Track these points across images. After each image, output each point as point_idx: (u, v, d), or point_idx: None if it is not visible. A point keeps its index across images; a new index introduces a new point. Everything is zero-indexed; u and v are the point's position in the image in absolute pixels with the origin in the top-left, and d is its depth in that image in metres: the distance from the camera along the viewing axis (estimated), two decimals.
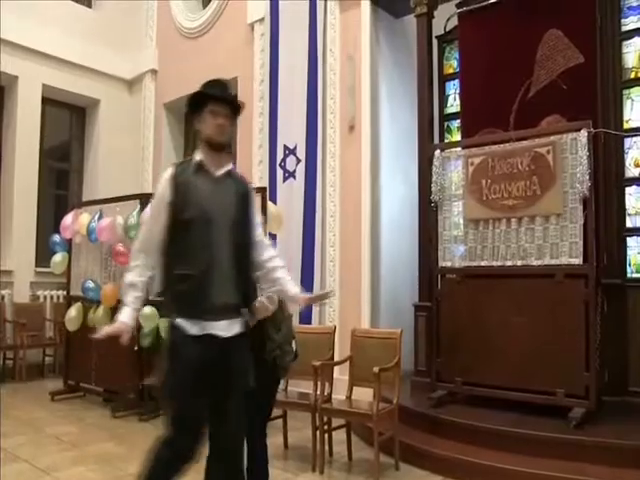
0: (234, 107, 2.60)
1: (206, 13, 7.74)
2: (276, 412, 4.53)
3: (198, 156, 2.55)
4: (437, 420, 4.23)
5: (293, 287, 2.72)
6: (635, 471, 3.44)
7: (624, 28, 4.87)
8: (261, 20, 6.66)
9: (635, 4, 4.85)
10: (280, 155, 6.17)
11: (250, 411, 2.67)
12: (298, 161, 6.03)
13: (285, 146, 6.13)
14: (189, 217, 2.44)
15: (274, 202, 5.79)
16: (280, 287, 2.72)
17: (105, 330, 2.47)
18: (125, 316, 2.47)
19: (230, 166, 2.64)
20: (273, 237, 5.73)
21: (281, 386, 4.56)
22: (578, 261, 4.19)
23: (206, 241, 2.44)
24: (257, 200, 2.87)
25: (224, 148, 2.60)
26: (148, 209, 2.52)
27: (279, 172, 6.14)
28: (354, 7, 5.98)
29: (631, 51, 4.86)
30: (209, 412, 2.49)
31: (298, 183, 5.99)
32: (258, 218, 2.72)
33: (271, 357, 2.99)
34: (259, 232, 2.68)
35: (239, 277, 2.51)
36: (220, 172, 2.57)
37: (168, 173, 2.54)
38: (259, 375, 2.65)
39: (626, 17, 4.88)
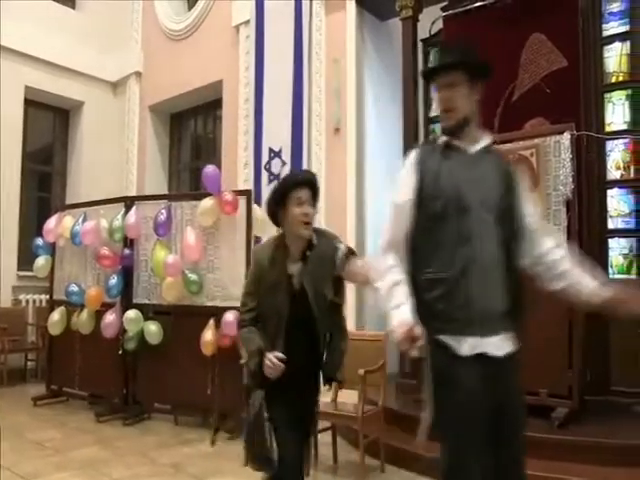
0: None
1: (191, 15, 7.71)
2: None
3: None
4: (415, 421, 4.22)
5: (589, 281, 2.04)
6: (618, 469, 3.47)
7: (605, 33, 4.93)
8: (246, 22, 6.65)
9: (616, 10, 4.92)
10: (265, 158, 6.16)
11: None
12: (283, 164, 6.03)
13: (270, 149, 6.12)
14: (440, 207, 2.01)
15: (259, 205, 5.77)
16: (569, 282, 2.07)
17: (397, 334, 1.90)
18: (406, 313, 1.95)
19: (487, 140, 2.15)
20: (258, 240, 5.73)
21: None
22: None
23: (463, 234, 1.98)
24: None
25: (463, 124, 2.10)
26: (392, 200, 2.12)
27: (264, 175, 6.13)
28: (339, 10, 6.00)
29: (612, 55, 4.92)
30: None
31: None
32: (530, 202, 2.15)
33: None
34: (533, 219, 2.12)
35: (509, 278, 2.02)
36: (476, 148, 2.12)
37: (412, 157, 2.13)
38: None
39: (607, 22, 4.94)
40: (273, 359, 2.37)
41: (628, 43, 4.79)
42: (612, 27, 4.92)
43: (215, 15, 7.30)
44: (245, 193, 5.40)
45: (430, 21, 5.76)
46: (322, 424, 4.26)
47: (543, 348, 4.05)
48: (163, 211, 5.34)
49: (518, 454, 2.02)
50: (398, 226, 2.08)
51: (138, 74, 8.41)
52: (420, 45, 5.85)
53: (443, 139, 2.14)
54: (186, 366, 5.13)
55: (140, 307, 5.42)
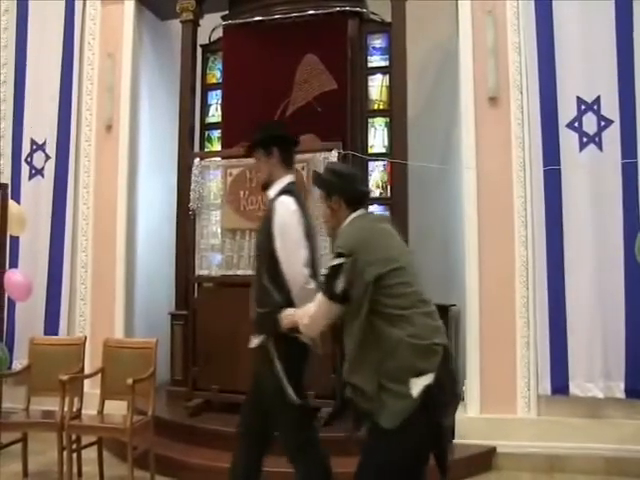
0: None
1: None
2: (14, 436, 4.11)
3: None
4: (193, 429, 4.24)
5: None
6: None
7: (370, 64, 5.44)
8: None
9: (378, 45, 5.46)
10: (26, 150, 5.57)
11: None
12: (47, 158, 5.51)
13: (32, 140, 5.55)
14: None
15: (18, 201, 5.24)
16: None
17: None
18: None
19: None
20: (16, 240, 5.21)
21: (21, 405, 4.18)
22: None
23: None
24: None
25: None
26: None
27: (25, 168, 5.54)
28: (117, 1, 5.69)
29: (375, 85, 5.45)
30: None
31: (47, 182, 5.48)
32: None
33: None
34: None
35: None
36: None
37: None
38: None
39: (371, 55, 5.46)
40: None
41: (387, 76, 5.34)
42: (375, 60, 5.45)
43: None
44: (0, 187, 4.89)
45: (210, 27, 5.78)
46: (87, 439, 4.03)
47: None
48: None
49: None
50: None
51: None
52: (199, 50, 5.84)
53: None
54: None
55: None
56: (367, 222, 2.47)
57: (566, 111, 4.42)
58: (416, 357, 2.16)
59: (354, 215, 2.44)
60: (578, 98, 4.40)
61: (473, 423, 4.31)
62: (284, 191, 2.82)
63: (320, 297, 2.36)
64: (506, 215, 4.48)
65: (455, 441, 4.23)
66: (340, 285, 2.25)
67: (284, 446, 2.78)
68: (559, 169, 4.37)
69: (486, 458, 4.15)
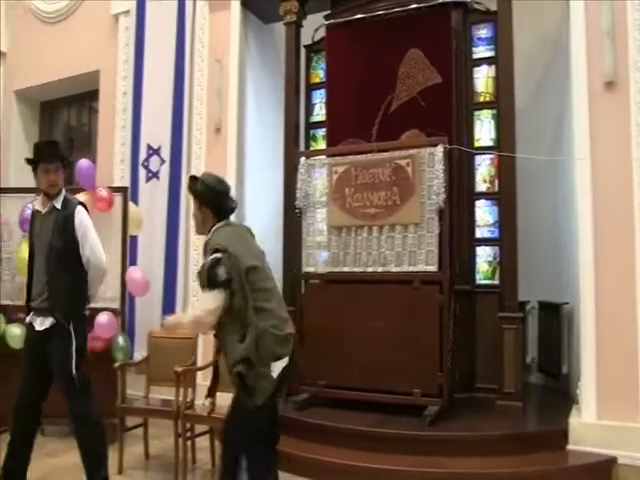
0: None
1: None
2: (136, 420, 4.39)
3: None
4: (300, 423, 4.29)
5: None
6: (480, 458, 3.80)
7: (475, 56, 5.31)
8: (126, 12, 6.35)
9: (483, 36, 5.31)
10: (143, 154, 5.93)
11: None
12: (162, 162, 5.84)
13: (149, 145, 5.90)
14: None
15: (136, 203, 5.58)
16: None
17: None
18: None
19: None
20: (134, 239, 5.54)
21: (141, 393, 4.45)
22: (434, 268, 4.48)
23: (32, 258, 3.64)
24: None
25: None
26: None
27: (142, 172, 5.90)
28: (224, 9, 5.91)
29: (480, 77, 5.31)
30: None
31: (162, 184, 5.81)
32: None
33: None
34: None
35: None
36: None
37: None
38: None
39: (476, 46, 5.33)
40: None
41: (493, 67, 5.18)
42: (480, 51, 5.32)
43: (92, 1, 6.90)
44: (121, 190, 5.23)
45: (313, 27, 5.86)
46: (199, 428, 4.21)
47: (417, 351, 4.29)
48: (30, 205, 4.99)
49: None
50: None
51: (1, 54, 7.72)
52: (303, 51, 5.93)
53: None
54: None
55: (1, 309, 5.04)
56: (232, 228, 2.99)
57: None
58: (276, 345, 2.69)
59: (221, 223, 2.91)
60: None
61: (589, 429, 4.05)
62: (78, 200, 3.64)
63: (207, 292, 2.66)
64: (625, 208, 4.16)
65: (569, 447, 4.04)
66: (223, 275, 2.63)
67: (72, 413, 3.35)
68: None
69: (605, 469, 3.86)
